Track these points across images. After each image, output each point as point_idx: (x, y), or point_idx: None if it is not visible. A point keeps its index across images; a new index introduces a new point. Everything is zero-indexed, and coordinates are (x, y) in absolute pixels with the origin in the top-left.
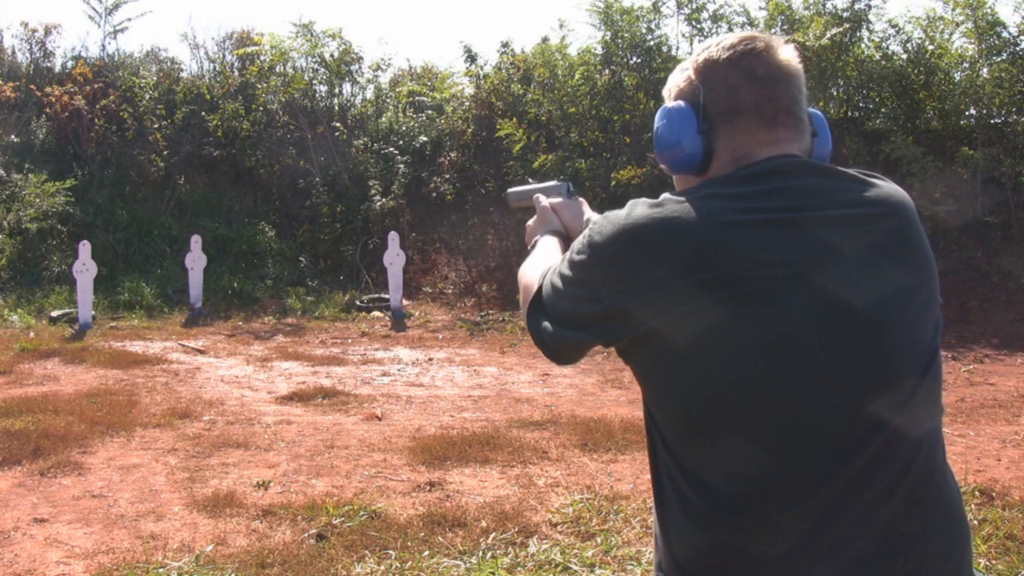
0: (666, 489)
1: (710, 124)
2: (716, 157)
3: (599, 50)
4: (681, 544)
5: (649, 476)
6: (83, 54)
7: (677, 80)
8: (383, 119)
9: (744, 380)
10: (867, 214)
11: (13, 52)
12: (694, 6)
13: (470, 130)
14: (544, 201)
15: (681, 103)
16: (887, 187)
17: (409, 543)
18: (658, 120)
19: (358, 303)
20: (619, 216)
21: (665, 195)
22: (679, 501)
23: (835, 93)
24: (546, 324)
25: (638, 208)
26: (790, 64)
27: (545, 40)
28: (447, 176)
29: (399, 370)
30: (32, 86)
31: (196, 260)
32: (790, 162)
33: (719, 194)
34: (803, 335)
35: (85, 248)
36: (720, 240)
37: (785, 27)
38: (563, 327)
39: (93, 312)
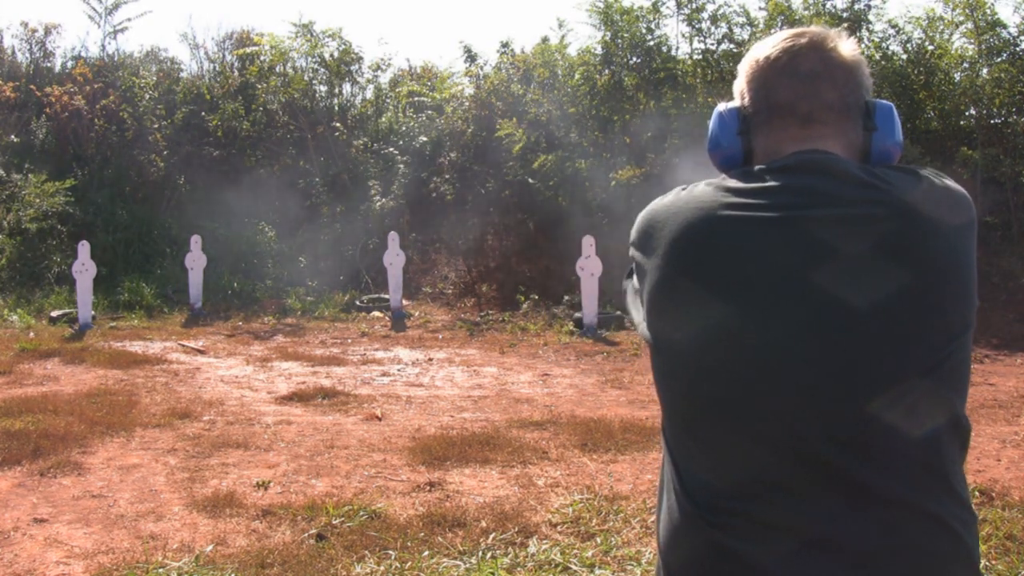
0: (664, 491)
1: (749, 125)
2: (755, 157)
3: (599, 50)
4: (672, 552)
5: (648, 476)
6: (83, 54)
7: (735, 83)
8: (383, 119)
9: (734, 379)
10: (866, 215)
11: (13, 52)
12: (694, 6)
13: (470, 130)
14: None
15: (731, 104)
16: (903, 186)
17: (409, 543)
18: (710, 122)
19: (358, 303)
20: (653, 201)
21: (693, 184)
22: (670, 503)
23: None
24: (626, 284)
25: (667, 196)
26: (840, 58)
27: (545, 40)
28: (447, 176)
29: (399, 370)
30: (32, 86)
31: (196, 260)
32: (804, 159)
33: (727, 188)
34: (793, 334)
35: (84, 248)
36: (712, 235)
37: (784, 27)
38: (631, 294)
39: (93, 312)
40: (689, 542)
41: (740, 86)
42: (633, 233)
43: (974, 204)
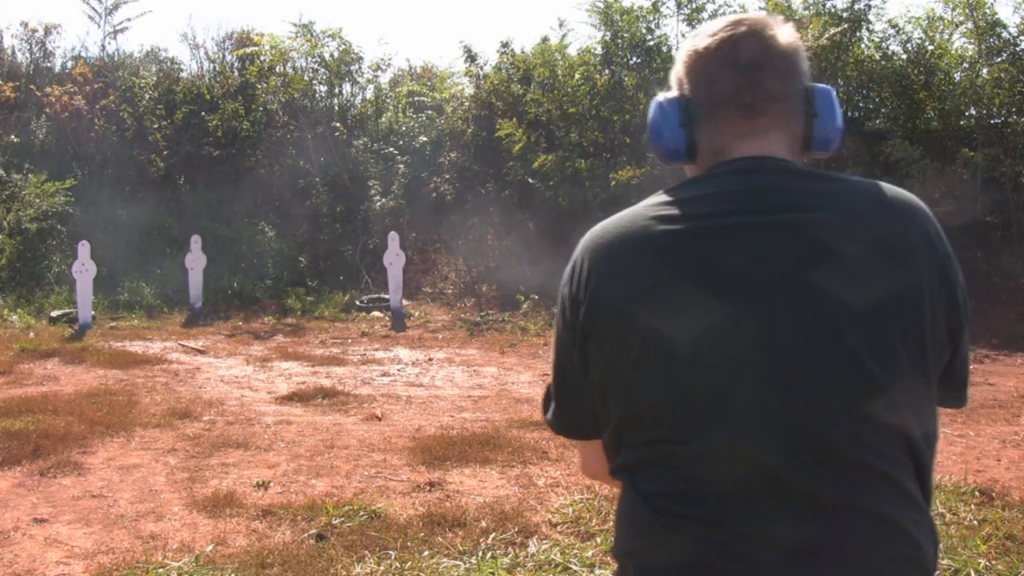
0: (638, 502)
1: (691, 116)
2: (699, 149)
3: (599, 50)
4: (630, 556)
5: None
6: (83, 54)
7: (673, 71)
8: (383, 119)
9: (688, 392)
10: (808, 219)
11: (13, 52)
12: (694, 6)
13: (470, 130)
14: None
15: (671, 95)
16: (864, 186)
17: (409, 543)
18: (649, 112)
19: (358, 303)
20: (592, 229)
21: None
22: (625, 508)
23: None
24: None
25: (605, 220)
26: (779, 45)
27: (545, 40)
28: (447, 176)
29: (399, 370)
30: (32, 86)
31: (196, 260)
32: (753, 165)
33: (668, 201)
34: (747, 346)
35: (84, 248)
36: (647, 255)
37: None
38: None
39: (93, 312)
40: (646, 542)
41: (678, 75)
42: (575, 261)
43: (974, 204)
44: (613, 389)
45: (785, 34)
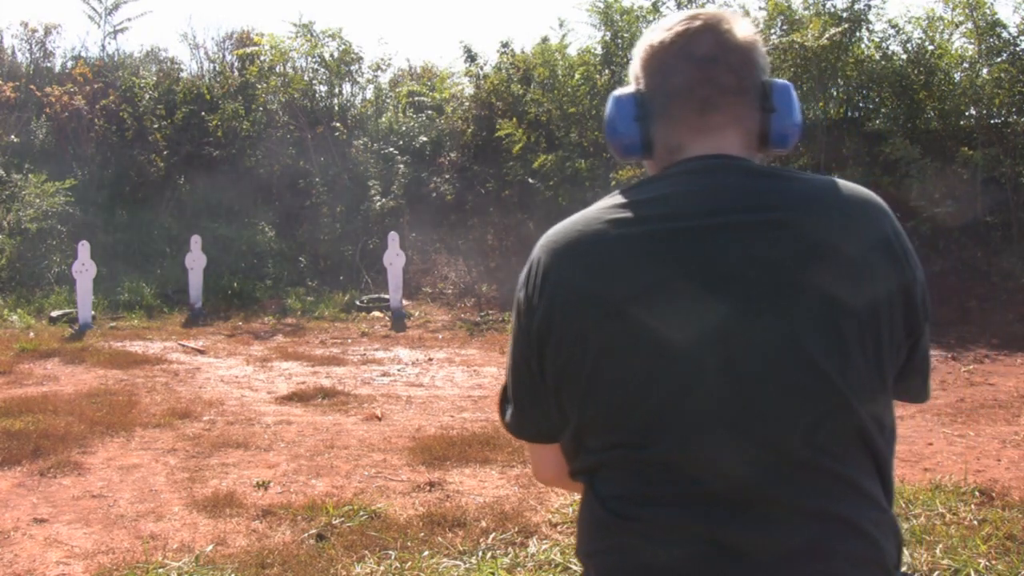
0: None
1: (646, 111)
2: (655, 145)
3: (599, 50)
4: (590, 558)
5: None
6: (83, 54)
7: (630, 67)
8: (383, 119)
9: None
10: (763, 220)
11: (13, 52)
12: (694, 7)
13: (470, 130)
14: None
15: (628, 90)
16: (807, 185)
17: (409, 543)
18: (606, 107)
19: (358, 303)
20: (548, 232)
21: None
22: (583, 511)
23: (835, 93)
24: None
25: (561, 223)
26: (735, 39)
27: (545, 40)
28: (447, 176)
29: (399, 370)
30: (32, 86)
31: (196, 260)
32: (709, 164)
33: (623, 203)
34: (708, 352)
35: (84, 248)
36: (604, 258)
37: (784, 27)
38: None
39: (93, 312)
40: (604, 545)
41: (635, 71)
42: (531, 264)
43: (974, 204)
44: (570, 393)
45: (742, 28)
